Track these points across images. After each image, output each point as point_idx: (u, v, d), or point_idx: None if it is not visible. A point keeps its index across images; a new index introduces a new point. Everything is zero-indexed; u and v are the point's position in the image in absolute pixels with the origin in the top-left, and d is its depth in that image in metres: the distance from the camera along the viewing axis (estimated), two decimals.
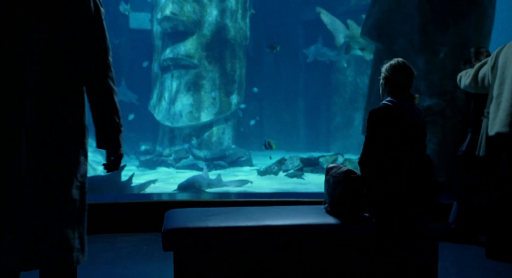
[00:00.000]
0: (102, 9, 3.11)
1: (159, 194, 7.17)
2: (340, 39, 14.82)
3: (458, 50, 8.15)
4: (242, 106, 16.08)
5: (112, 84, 3.09)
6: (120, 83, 17.23)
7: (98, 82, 3.05)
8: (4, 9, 2.85)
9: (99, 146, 3.14)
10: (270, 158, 17.29)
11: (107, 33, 3.12)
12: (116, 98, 3.12)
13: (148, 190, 10.90)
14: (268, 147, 13.63)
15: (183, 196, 7.83)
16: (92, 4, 3.04)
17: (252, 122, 19.91)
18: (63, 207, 2.96)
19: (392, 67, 4.53)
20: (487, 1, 8.28)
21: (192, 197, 7.45)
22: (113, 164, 3.16)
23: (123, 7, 15.68)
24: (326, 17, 15.02)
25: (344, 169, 4.51)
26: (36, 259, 2.88)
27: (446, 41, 8.19)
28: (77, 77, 3.02)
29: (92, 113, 3.13)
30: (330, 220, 4.38)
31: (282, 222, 4.32)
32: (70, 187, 2.99)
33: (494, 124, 5.22)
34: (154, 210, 6.19)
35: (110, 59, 3.13)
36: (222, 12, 15.57)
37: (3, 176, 2.84)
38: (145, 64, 17.55)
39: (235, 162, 15.29)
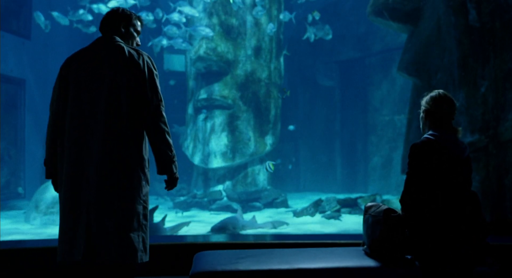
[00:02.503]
0: (155, 72, 4.10)
1: (190, 236, 6.93)
2: None
3: (500, 84, 7.87)
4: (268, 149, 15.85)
5: (164, 127, 4.03)
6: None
7: (153, 126, 4.00)
8: (94, 76, 4.00)
9: (159, 172, 4.13)
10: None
11: (159, 89, 4.09)
12: (168, 137, 4.05)
13: (181, 232, 10.69)
14: (268, 169, 13.75)
15: (215, 238, 7.59)
16: (146, 70, 4.03)
17: (290, 166, 19.71)
18: (130, 218, 3.96)
19: (432, 99, 4.32)
20: None
21: (225, 239, 7.20)
22: (170, 184, 4.19)
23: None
24: None
25: (384, 207, 4.24)
26: (109, 255, 3.89)
27: (487, 74, 7.91)
28: (135, 123, 4.00)
29: (152, 149, 4.09)
30: (369, 262, 4.09)
31: (318, 265, 4.05)
32: (135, 203, 3.99)
33: None
34: (184, 252, 5.94)
35: (163, 107, 4.07)
36: (256, 51, 15.49)
37: (85, 200, 3.92)
38: (175, 101, 17.56)
39: (270, 203, 14.97)
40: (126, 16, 4.27)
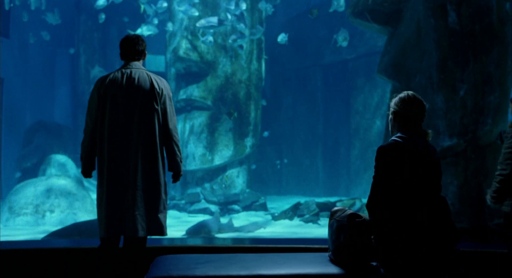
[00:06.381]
0: (171, 94, 5.31)
1: (156, 239, 6.74)
2: None
3: (479, 87, 7.75)
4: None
5: (177, 136, 5.26)
6: None
7: (170, 136, 5.20)
8: (122, 108, 5.11)
9: (169, 169, 5.28)
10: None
11: (173, 108, 5.30)
12: (178, 142, 5.28)
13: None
14: (232, 112, 14.12)
15: (182, 241, 7.41)
16: (166, 93, 5.23)
17: (279, 166, 19.61)
18: (158, 203, 5.11)
19: (401, 100, 4.16)
20: (510, 36, 7.93)
21: (193, 243, 7.02)
22: (176, 178, 5.36)
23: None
24: None
25: (349, 212, 4.08)
26: (142, 229, 5.01)
27: (467, 77, 7.80)
28: (159, 134, 5.15)
29: (166, 151, 5.26)
30: (332, 269, 3.92)
31: (278, 271, 3.89)
32: (161, 192, 5.13)
33: None
34: (148, 255, 5.74)
35: (175, 122, 5.30)
36: (237, 52, 15.32)
37: (129, 190, 5.03)
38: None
39: (249, 206, 14.81)
40: (142, 44, 5.33)
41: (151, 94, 5.14)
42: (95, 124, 5.18)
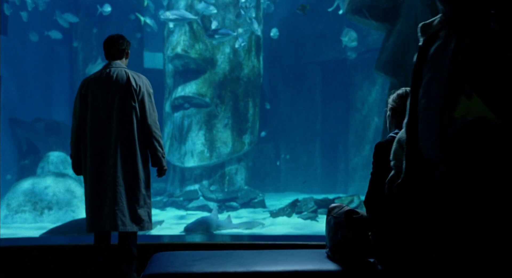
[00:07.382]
0: (151, 90, 5.41)
1: (154, 236, 6.76)
2: None
3: None
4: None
5: (157, 132, 5.33)
6: None
7: (150, 131, 5.28)
8: (101, 100, 5.26)
9: (152, 165, 5.40)
10: (304, 182, 17.00)
11: (153, 104, 5.39)
12: (160, 139, 5.36)
13: (154, 232, 10.51)
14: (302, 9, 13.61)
15: (180, 238, 7.40)
16: (145, 90, 5.31)
17: (278, 163, 19.63)
18: (138, 198, 5.21)
19: (399, 96, 4.15)
20: None
21: (191, 239, 7.01)
22: (160, 173, 5.45)
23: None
24: None
25: (346, 208, 4.07)
26: (123, 225, 5.12)
27: None
28: (138, 130, 5.26)
29: (148, 147, 5.35)
30: (329, 266, 3.92)
31: (275, 268, 3.88)
32: (140, 187, 5.22)
33: None
34: (146, 252, 5.75)
35: (156, 117, 5.39)
36: (235, 49, 15.30)
37: (107, 185, 5.18)
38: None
39: (247, 203, 14.83)
40: (124, 44, 5.46)
41: (128, 91, 5.27)
42: (79, 124, 5.39)
